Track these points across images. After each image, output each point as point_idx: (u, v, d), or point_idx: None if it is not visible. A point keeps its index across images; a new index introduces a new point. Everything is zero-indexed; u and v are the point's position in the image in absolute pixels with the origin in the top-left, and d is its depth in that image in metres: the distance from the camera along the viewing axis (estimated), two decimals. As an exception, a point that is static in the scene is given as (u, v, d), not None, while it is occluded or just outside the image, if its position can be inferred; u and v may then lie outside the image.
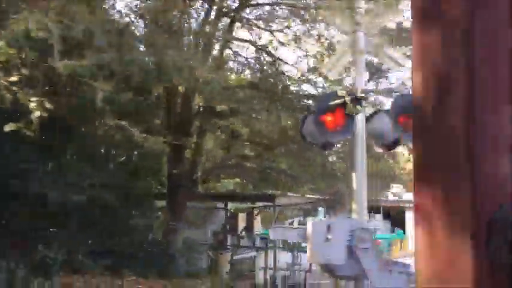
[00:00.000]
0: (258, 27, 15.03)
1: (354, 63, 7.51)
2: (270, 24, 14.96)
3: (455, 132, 1.21)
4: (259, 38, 15.19)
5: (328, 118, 7.02)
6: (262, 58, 15.01)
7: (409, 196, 39.02)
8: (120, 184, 12.42)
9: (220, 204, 18.54)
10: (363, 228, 6.08)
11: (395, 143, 7.68)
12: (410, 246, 36.24)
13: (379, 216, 38.77)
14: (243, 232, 19.84)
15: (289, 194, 17.63)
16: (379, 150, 7.95)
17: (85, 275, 11.28)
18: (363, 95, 7.38)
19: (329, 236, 5.87)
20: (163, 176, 14.64)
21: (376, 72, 17.64)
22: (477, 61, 1.26)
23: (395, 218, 38.10)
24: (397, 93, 7.30)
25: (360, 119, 7.36)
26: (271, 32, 15.14)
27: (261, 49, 14.77)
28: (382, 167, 24.23)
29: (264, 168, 15.49)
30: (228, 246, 18.16)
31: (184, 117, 12.97)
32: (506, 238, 1.14)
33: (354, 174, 7.35)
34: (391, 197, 39.00)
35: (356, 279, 6.21)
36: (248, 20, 14.94)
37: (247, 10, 15.29)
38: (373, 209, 37.40)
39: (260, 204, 19.21)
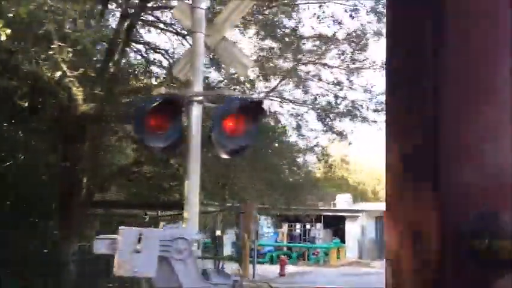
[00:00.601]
0: (161, 29, 14.66)
1: (192, 65, 7.12)
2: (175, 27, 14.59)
3: (423, 139, 1.21)
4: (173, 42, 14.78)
5: (152, 122, 6.61)
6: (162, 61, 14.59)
7: (351, 206, 39.44)
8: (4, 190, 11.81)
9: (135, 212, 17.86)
10: (180, 238, 5.69)
11: (239, 149, 7.30)
12: (347, 255, 36.45)
13: (319, 225, 38.89)
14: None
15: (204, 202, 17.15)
16: (225, 156, 7.54)
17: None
18: (199, 98, 6.99)
19: (138, 247, 5.46)
20: (55, 183, 14.03)
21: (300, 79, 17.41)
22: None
23: (337, 227, 38.23)
24: (228, 97, 6.92)
25: (194, 124, 6.95)
26: (179, 34, 14.76)
27: (161, 52, 14.37)
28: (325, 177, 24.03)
29: (161, 174, 15.03)
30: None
31: (72, 121, 12.39)
32: (474, 248, 1.12)
33: (186, 182, 6.95)
34: (335, 207, 39.18)
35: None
36: (150, 22, 14.56)
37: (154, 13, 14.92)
38: (315, 218, 37.45)
39: (173, 212, 18.65)
